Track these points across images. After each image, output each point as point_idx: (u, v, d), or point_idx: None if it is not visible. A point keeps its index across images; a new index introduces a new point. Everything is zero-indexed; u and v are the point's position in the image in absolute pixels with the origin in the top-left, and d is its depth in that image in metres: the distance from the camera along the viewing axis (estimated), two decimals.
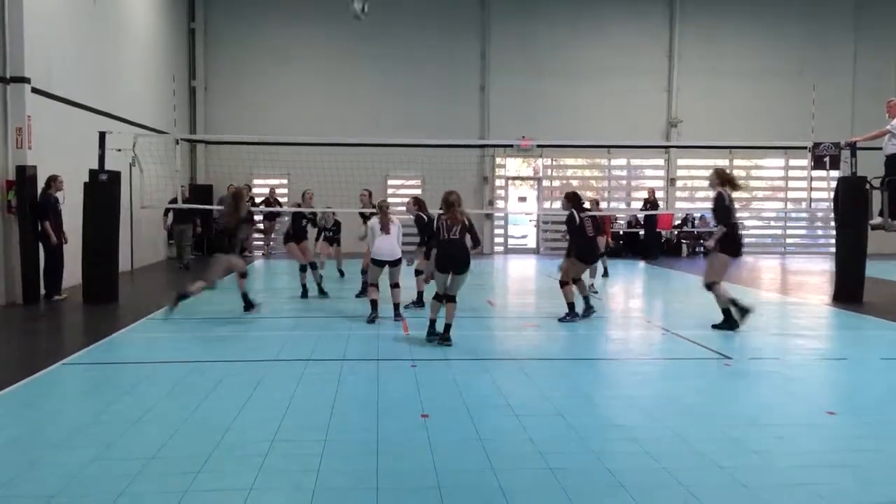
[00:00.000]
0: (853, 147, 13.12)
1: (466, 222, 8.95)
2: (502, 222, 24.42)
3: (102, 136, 12.68)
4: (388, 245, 10.53)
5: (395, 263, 10.61)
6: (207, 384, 6.91)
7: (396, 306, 10.62)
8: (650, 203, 21.84)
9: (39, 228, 12.03)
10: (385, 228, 10.55)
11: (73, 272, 12.65)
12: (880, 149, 12.65)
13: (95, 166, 12.45)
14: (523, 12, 23.35)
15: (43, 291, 12.14)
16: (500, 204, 23.88)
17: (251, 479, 4.64)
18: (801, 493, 4.52)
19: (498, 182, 24.05)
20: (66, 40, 14.04)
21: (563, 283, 10.62)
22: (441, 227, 8.93)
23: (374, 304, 10.49)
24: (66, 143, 13.44)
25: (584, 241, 10.65)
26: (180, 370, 7.53)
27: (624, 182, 25.08)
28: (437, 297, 9.03)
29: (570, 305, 10.50)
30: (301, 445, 5.27)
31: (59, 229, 12.13)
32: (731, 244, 9.79)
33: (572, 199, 10.97)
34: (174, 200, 15.80)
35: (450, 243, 8.83)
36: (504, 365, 7.95)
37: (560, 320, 10.41)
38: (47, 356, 8.15)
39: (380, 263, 10.59)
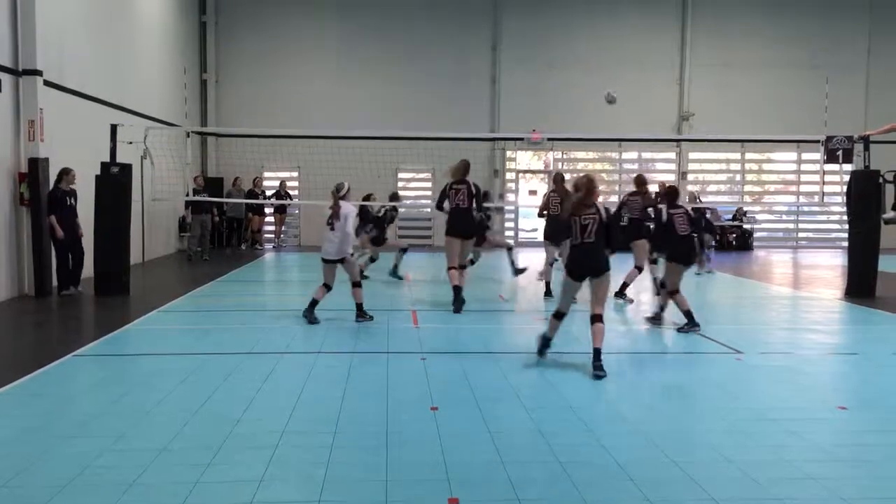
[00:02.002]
0: (866, 141, 13.04)
1: (604, 217, 7.50)
2: (513, 215, 24.38)
3: (114, 128, 12.73)
4: (330, 242, 9.57)
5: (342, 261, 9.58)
6: (218, 376, 6.94)
7: (359, 306, 9.75)
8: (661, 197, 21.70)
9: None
10: (330, 223, 9.57)
11: (86, 264, 12.70)
12: (894, 142, 12.57)
13: (107, 159, 12.50)
14: (535, 4, 23.25)
15: (55, 284, 12.14)
16: (510, 197, 23.84)
17: (262, 470, 4.66)
18: (811, 487, 4.50)
19: (508, 175, 24.01)
20: (78, 33, 14.08)
21: (673, 293, 9.53)
22: (575, 225, 7.54)
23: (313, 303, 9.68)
24: (77, 135, 13.49)
25: (675, 240, 9.55)
26: (191, 362, 7.56)
27: (634, 175, 24.94)
28: (558, 315, 7.77)
29: (688, 314, 9.41)
30: (311, 437, 5.29)
31: (72, 223, 12.01)
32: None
33: (669, 194, 9.95)
34: (196, 192, 15.96)
35: (583, 248, 7.49)
36: (513, 358, 7.95)
37: (679, 330, 9.38)
38: (59, 347, 8.21)
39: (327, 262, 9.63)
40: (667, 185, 10.57)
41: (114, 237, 12.21)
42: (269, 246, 22.50)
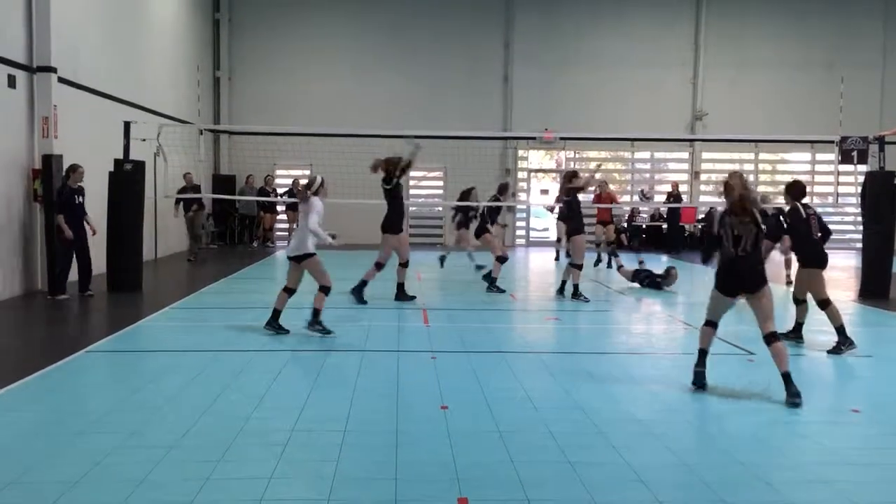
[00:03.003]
0: (881, 142, 12.94)
1: (759, 220, 6.54)
2: (524, 215, 24.33)
3: (127, 125, 12.78)
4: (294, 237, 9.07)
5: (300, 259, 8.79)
6: (229, 373, 6.96)
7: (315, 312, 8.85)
8: (673, 196, 21.66)
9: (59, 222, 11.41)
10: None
11: (97, 262, 12.76)
12: None
13: (120, 156, 12.55)
14: (548, 2, 23.18)
15: (41, 287, 11.86)
16: (522, 196, 23.79)
17: (272, 467, 4.66)
18: (824, 490, 4.47)
19: (520, 174, 23.97)
20: (93, 31, 14.15)
21: (824, 304, 8.51)
22: (725, 235, 6.64)
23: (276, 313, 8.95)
24: (91, 132, 13.56)
25: (811, 243, 8.58)
26: (203, 359, 7.58)
27: (647, 175, 24.88)
28: (710, 324, 7.04)
29: (840, 329, 8.40)
30: (321, 435, 5.29)
31: (80, 222, 11.57)
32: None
33: (794, 190, 8.68)
34: (183, 189, 15.81)
35: (738, 260, 6.60)
36: (524, 358, 7.93)
37: (830, 352, 8.39)
38: (72, 344, 8.24)
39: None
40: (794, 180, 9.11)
41: (126, 234, 12.26)
42: (281, 244, 22.54)
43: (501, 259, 12.64)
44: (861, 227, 13.65)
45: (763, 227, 6.53)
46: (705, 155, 24.16)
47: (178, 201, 16.26)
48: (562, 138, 20.83)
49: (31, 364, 7.17)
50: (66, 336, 9.28)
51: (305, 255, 8.66)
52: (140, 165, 12.62)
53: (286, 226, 23.16)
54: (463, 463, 4.77)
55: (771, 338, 6.52)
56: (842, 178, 14.37)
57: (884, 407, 6.42)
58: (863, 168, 13.34)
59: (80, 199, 11.63)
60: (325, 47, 23.03)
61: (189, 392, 6.40)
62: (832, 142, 13.64)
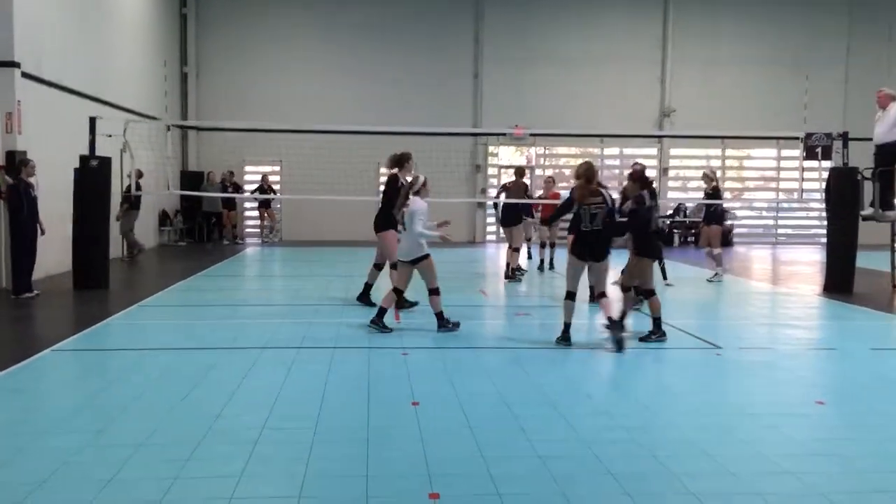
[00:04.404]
0: (845, 138, 13.15)
1: (611, 205, 8.04)
2: (493, 211, 24.33)
3: (93, 121, 12.59)
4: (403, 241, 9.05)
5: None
6: (198, 371, 6.90)
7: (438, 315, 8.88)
8: (708, 193, 21.65)
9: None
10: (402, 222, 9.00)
11: (62, 259, 12.59)
12: (871, 139, 12.68)
13: (86, 152, 12.37)
14: None
15: (5, 286, 11.59)
16: (492, 192, 23.83)
17: (241, 465, 4.64)
18: (789, 481, 4.54)
19: (490, 171, 24.02)
20: (57, 25, 13.93)
21: (649, 294, 8.63)
22: (583, 212, 7.97)
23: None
24: (56, 128, 13.36)
25: (650, 234, 8.78)
26: (171, 357, 7.52)
27: (617, 171, 25.05)
28: (570, 296, 8.14)
29: (657, 321, 8.52)
30: (291, 433, 5.27)
31: (35, 218, 11.15)
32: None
33: (640, 177, 8.96)
34: (129, 188, 15.14)
35: (589, 233, 7.98)
36: (495, 353, 7.96)
37: (641, 339, 8.50)
38: (36, 342, 8.13)
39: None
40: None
41: (93, 231, 12.08)
42: (253, 241, 22.40)
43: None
44: (825, 222, 13.85)
45: (611, 208, 7.99)
46: (673, 151, 24.40)
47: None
48: (532, 134, 20.89)
49: None
50: (30, 335, 9.15)
51: (421, 258, 8.67)
52: (106, 162, 12.45)
53: (256, 222, 23.05)
54: (434, 459, 4.78)
55: (601, 295, 8.21)
56: (807, 174, 14.56)
57: (848, 399, 6.55)
58: (827, 164, 13.54)
59: (34, 193, 11.22)
60: (294, 43, 22.87)
61: (157, 390, 6.34)
62: (797, 138, 13.82)
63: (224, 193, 20.63)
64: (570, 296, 8.16)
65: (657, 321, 8.47)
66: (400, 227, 9.09)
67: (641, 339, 8.43)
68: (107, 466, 4.58)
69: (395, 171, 10.14)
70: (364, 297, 10.60)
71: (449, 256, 14.65)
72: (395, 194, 9.57)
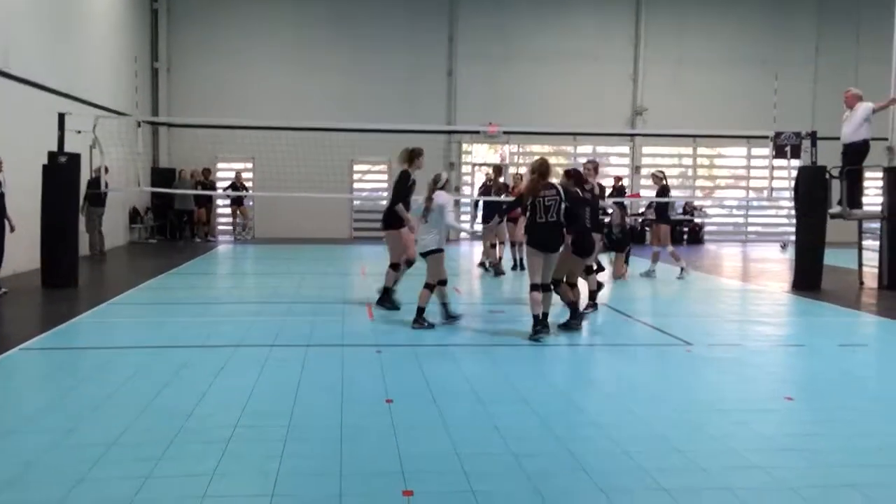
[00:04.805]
0: (813, 137, 13.33)
1: (563, 196, 8.30)
2: (468, 208, 24.38)
3: (62, 117, 12.43)
4: (425, 235, 9.19)
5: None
6: (169, 369, 6.85)
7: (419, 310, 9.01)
8: (616, 190, 21.91)
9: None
10: (424, 215, 9.14)
11: (31, 257, 12.41)
12: (839, 139, 12.87)
13: (55, 148, 12.20)
14: None
15: None
16: (466, 190, 23.86)
17: (214, 464, 4.61)
18: (758, 475, 4.60)
19: (464, 168, 24.04)
20: (25, 20, 13.72)
21: (556, 285, 8.83)
22: (539, 205, 8.26)
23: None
24: (24, 124, 13.16)
25: (586, 230, 9.31)
26: (142, 355, 7.45)
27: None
28: (534, 287, 8.37)
29: (544, 317, 8.53)
30: (264, 431, 5.25)
31: (1, 216, 10.97)
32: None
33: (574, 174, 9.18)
34: (94, 182, 14.84)
35: (544, 225, 8.27)
36: (469, 351, 7.98)
37: (561, 326, 8.88)
38: (4, 341, 8.01)
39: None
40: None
41: (61, 228, 11.92)
42: (226, 238, 22.24)
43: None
44: (794, 221, 14.03)
45: (565, 203, 8.25)
46: (645, 150, 24.59)
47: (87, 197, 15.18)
48: (505, 132, 20.93)
49: None
50: None
51: (434, 251, 8.94)
52: (75, 158, 12.29)
53: (228, 220, 22.90)
54: (408, 456, 4.78)
55: (549, 286, 8.43)
56: (776, 173, 14.74)
57: (816, 394, 6.64)
58: (796, 163, 13.71)
59: (2, 189, 11.03)
60: (266, 39, 22.72)
61: (128, 389, 6.28)
62: (767, 137, 13.98)
63: (195, 190, 20.45)
64: (535, 287, 8.32)
65: (544, 316, 8.46)
66: (422, 220, 9.18)
67: (561, 326, 8.83)
68: (78, 465, 4.53)
69: (406, 166, 10.07)
70: (385, 301, 10.16)
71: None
72: (405, 190, 9.70)
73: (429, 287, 8.97)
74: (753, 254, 20.97)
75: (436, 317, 9.08)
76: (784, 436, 5.44)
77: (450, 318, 9.20)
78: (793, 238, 14.15)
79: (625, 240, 14.11)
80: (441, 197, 9.00)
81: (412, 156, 10.05)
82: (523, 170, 21.49)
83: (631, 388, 6.66)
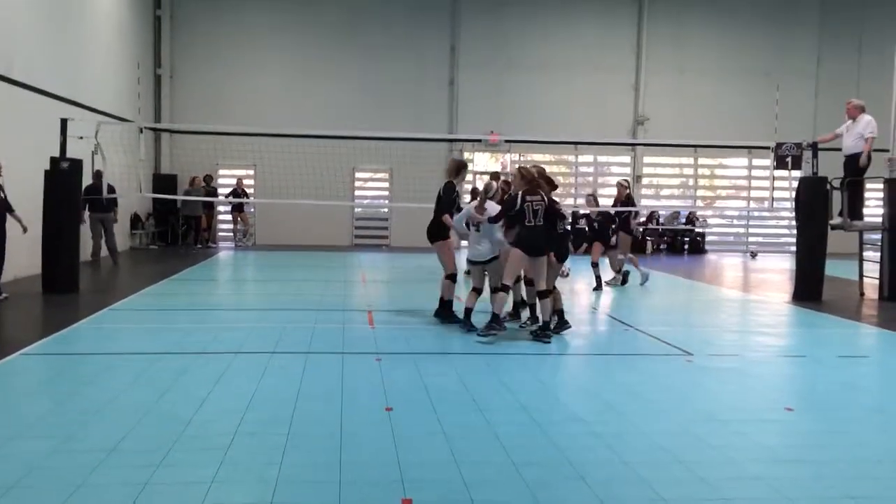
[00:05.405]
0: (815, 148, 13.35)
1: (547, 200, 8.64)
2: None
3: (64, 123, 12.45)
4: (476, 244, 9.41)
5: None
6: (169, 376, 6.84)
7: (494, 316, 8.86)
8: (621, 201, 21.85)
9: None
10: (476, 224, 9.31)
11: (32, 262, 12.42)
12: (840, 150, 12.89)
13: (57, 154, 12.22)
14: (493, 7, 23.39)
15: None
16: (466, 199, 23.84)
17: (213, 471, 4.60)
18: (758, 486, 4.59)
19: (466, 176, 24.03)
20: (28, 25, 13.78)
21: (527, 283, 9.39)
22: (527, 210, 8.53)
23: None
24: (26, 129, 13.19)
25: (560, 236, 9.36)
26: (142, 361, 7.44)
27: (591, 178, 25.22)
28: (504, 288, 8.78)
29: (517, 312, 9.52)
30: (264, 438, 5.24)
31: (2, 221, 11.00)
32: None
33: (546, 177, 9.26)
34: (91, 189, 14.80)
35: (532, 229, 8.54)
36: (469, 359, 7.97)
37: (532, 331, 9.08)
38: (5, 346, 8.01)
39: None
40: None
41: (63, 234, 11.95)
42: (226, 245, 22.25)
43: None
44: (795, 231, 14.04)
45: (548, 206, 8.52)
46: (647, 159, 24.64)
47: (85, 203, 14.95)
48: (507, 141, 20.99)
49: None
50: None
51: (495, 258, 9.18)
52: (77, 164, 12.31)
53: (229, 226, 22.93)
54: (407, 464, 4.78)
55: (541, 294, 8.63)
56: (777, 184, 14.76)
57: (816, 405, 6.63)
58: (797, 173, 13.72)
59: (3, 195, 11.10)
60: (269, 46, 22.82)
61: (128, 395, 6.28)
62: (768, 147, 14.00)
63: (204, 197, 20.48)
64: (505, 288, 8.69)
65: (495, 316, 8.69)
66: (472, 229, 9.31)
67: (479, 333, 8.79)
68: (77, 471, 4.52)
69: (452, 177, 10.09)
70: (445, 313, 9.91)
71: (423, 261, 14.64)
72: (450, 201, 9.81)
73: (503, 288, 8.82)
74: (754, 264, 20.96)
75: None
76: (784, 446, 5.43)
77: (559, 325, 9.13)
78: (792, 249, 14.17)
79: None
80: (493, 207, 9.12)
81: (460, 167, 10.16)
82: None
83: (631, 397, 6.65)
